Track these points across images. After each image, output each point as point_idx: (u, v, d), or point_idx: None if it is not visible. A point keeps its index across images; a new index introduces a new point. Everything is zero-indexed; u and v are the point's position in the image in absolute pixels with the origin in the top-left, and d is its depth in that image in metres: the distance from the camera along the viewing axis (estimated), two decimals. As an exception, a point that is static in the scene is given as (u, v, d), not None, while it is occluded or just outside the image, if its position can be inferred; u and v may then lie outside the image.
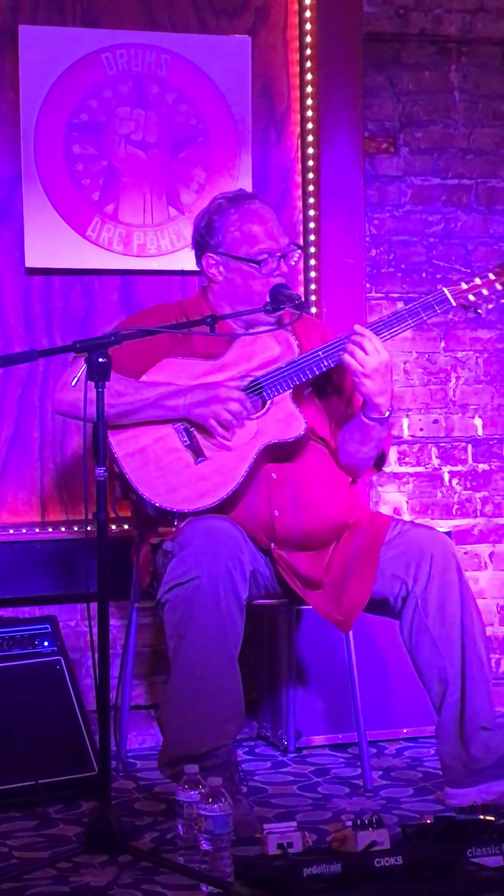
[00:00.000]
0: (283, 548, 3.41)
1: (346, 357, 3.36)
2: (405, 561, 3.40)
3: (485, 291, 3.44)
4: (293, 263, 3.57)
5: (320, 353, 3.42)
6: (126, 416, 3.38)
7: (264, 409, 3.42)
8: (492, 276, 3.45)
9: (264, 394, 3.42)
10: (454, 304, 3.43)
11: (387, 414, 3.44)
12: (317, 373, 3.43)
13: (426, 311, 3.43)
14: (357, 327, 3.39)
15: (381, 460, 3.62)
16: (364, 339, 3.36)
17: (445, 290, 3.44)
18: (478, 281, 3.45)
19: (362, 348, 3.34)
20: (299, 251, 3.55)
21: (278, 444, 3.40)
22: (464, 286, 3.45)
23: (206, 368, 3.45)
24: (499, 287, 3.44)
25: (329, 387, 3.59)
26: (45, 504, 4.10)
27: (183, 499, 3.33)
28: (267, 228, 3.48)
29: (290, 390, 3.42)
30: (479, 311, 3.46)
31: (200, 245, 3.56)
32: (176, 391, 3.38)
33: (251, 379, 3.43)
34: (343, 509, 3.48)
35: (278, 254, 3.47)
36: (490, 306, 3.46)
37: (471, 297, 3.44)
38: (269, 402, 3.43)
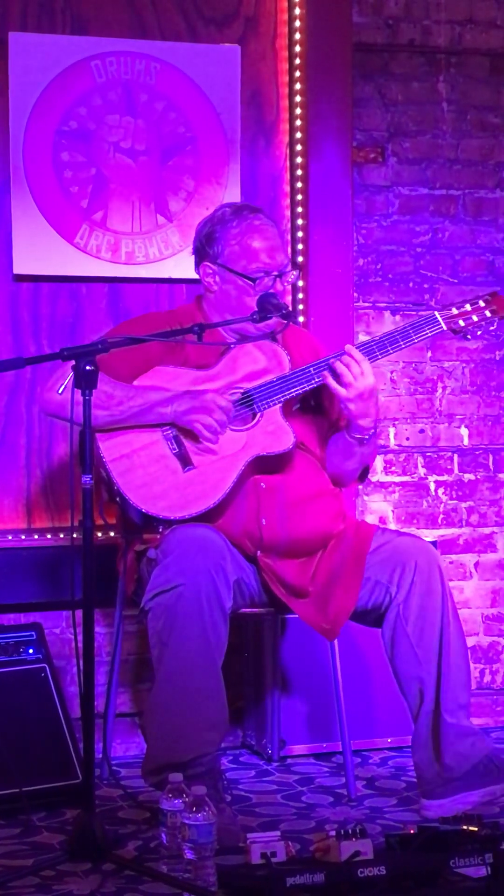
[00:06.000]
0: (268, 555, 3.42)
1: (331, 381, 3.37)
2: (389, 568, 3.42)
3: (475, 318, 3.51)
4: (290, 282, 3.57)
5: (311, 369, 3.43)
6: (115, 420, 3.38)
7: (254, 422, 3.43)
8: (482, 304, 3.52)
9: (255, 406, 3.43)
10: (444, 328, 3.49)
11: (368, 435, 3.46)
12: (307, 389, 3.44)
13: (417, 334, 3.48)
14: (348, 348, 3.41)
15: (364, 473, 3.65)
16: (352, 362, 3.37)
17: (437, 314, 3.49)
18: (468, 307, 3.51)
19: (350, 371, 3.37)
20: (296, 271, 3.54)
21: (266, 457, 3.41)
22: (454, 311, 3.50)
23: (195, 378, 3.45)
24: (488, 314, 3.51)
25: (316, 402, 3.60)
26: (31, 511, 4.10)
27: (168, 506, 3.34)
28: (266, 246, 3.48)
29: (280, 404, 3.43)
30: (468, 336, 3.54)
31: (200, 252, 3.56)
32: (165, 399, 3.38)
33: (242, 391, 3.44)
34: (330, 519, 3.49)
35: (275, 272, 3.48)
36: (479, 332, 3.54)
37: (461, 323, 3.50)
38: (259, 414, 3.43)
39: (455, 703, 3.37)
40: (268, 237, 3.50)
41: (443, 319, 3.48)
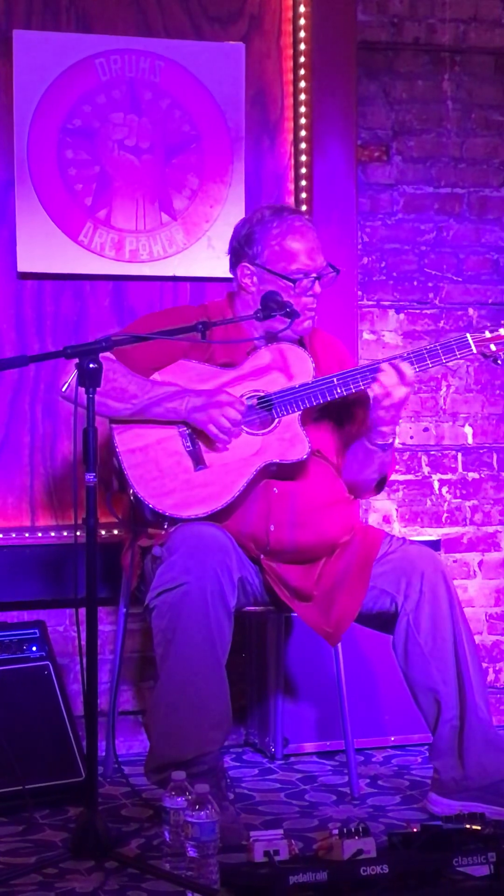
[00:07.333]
0: (273, 559, 3.41)
1: (375, 385, 3.34)
2: (395, 577, 3.41)
3: None
4: (329, 285, 3.52)
5: (335, 379, 3.40)
6: (127, 412, 3.38)
7: (271, 427, 3.42)
8: None
9: (274, 411, 3.41)
10: (475, 350, 3.42)
11: (390, 441, 3.45)
12: (329, 398, 3.41)
13: (447, 355, 3.42)
14: (394, 361, 3.38)
15: (381, 483, 3.63)
16: (392, 371, 3.35)
17: (469, 336, 3.43)
18: (502, 332, 3.42)
19: (389, 377, 3.34)
20: (335, 273, 3.51)
21: (279, 464, 3.39)
22: (487, 335, 3.43)
23: (216, 375, 3.44)
24: None
25: (338, 411, 3.56)
26: (34, 509, 4.10)
27: (175, 504, 3.33)
28: (307, 248, 3.45)
29: (300, 412, 3.41)
30: (498, 361, 3.44)
31: (237, 253, 3.53)
32: (177, 393, 3.38)
33: (263, 394, 3.42)
34: (340, 529, 3.46)
35: (314, 274, 3.46)
36: None
37: (492, 347, 3.42)
38: (277, 419, 3.42)
39: (478, 712, 3.35)
40: (308, 239, 3.48)
41: (474, 342, 3.41)
